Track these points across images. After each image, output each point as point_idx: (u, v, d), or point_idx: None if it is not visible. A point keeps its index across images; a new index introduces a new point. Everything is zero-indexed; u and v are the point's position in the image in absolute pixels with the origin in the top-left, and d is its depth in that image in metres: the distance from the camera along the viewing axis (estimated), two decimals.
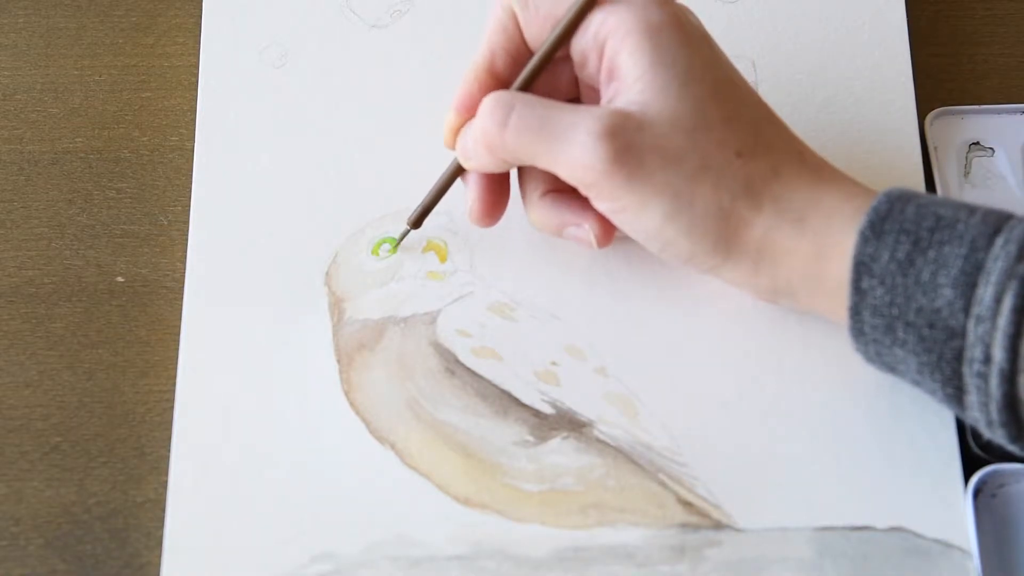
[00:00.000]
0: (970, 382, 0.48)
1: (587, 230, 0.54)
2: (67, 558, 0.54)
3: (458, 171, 0.56)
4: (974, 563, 0.52)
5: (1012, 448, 0.49)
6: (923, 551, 0.52)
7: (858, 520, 0.53)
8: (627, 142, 0.50)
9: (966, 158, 0.60)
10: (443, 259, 0.59)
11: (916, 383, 0.50)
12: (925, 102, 0.61)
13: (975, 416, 0.49)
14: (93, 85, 0.64)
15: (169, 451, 0.55)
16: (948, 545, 0.52)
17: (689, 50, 0.51)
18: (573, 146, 0.50)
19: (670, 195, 0.50)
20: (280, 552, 0.53)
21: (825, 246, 0.50)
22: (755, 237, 0.51)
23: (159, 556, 0.53)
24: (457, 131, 0.54)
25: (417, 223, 0.57)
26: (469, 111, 0.54)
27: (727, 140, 0.50)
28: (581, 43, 0.52)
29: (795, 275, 0.51)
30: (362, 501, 0.54)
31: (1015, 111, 0.61)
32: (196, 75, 0.63)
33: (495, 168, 0.54)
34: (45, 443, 0.57)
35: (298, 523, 0.54)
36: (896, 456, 0.54)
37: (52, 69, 0.65)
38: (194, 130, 0.62)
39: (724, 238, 0.51)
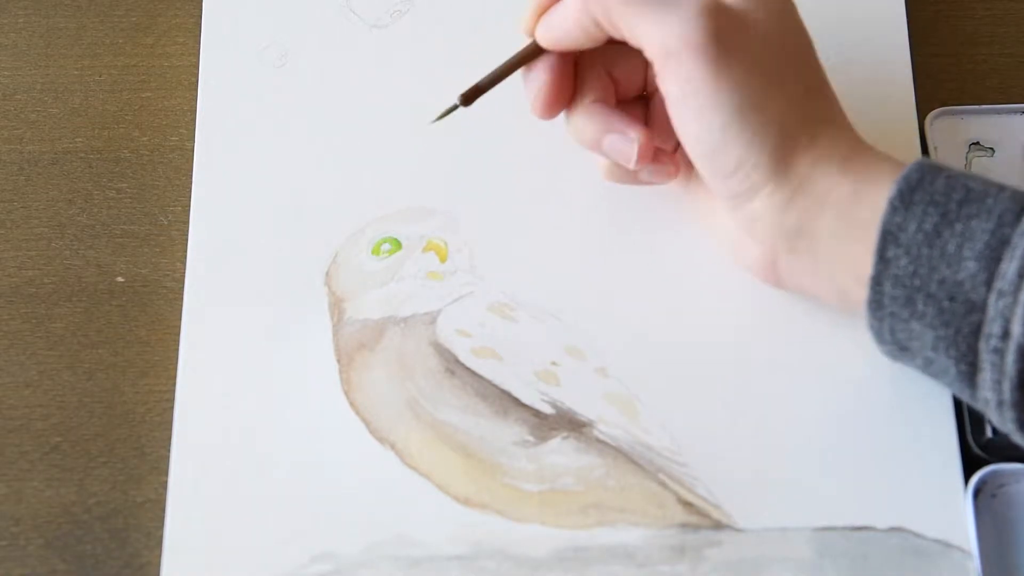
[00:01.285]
0: (985, 358, 0.48)
1: (632, 139, 0.53)
2: (67, 558, 0.54)
3: (529, 56, 0.54)
4: (974, 563, 0.52)
5: (1019, 437, 0.49)
6: (923, 551, 0.52)
7: (858, 520, 0.53)
8: (726, 28, 0.50)
9: (966, 158, 0.60)
10: (443, 259, 0.59)
11: (928, 362, 0.50)
12: (925, 102, 0.61)
13: (986, 397, 0.48)
14: (93, 85, 0.64)
15: (169, 451, 0.55)
16: (948, 545, 0.52)
17: None
18: (676, 11, 0.50)
19: (747, 93, 0.50)
20: (280, 552, 0.53)
21: (861, 190, 0.50)
22: (803, 167, 0.51)
23: (159, 556, 0.53)
24: (541, 13, 0.54)
25: (468, 100, 0.55)
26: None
27: (803, 74, 0.52)
28: None
29: (826, 214, 0.51)
30: (362, 501, 0.54)
31: (1015, 111, 0.61)
32: (196, 75, 0.63)
33: (578, 40, 0.53)
34: (45, 443, 0.57)
35: (298, 523, 0.54)
36: (896, 456, 0.54)
37: (52, 69, 0.65)
38: (194, 130, 0.62)
39: (776, 157, 0.51)
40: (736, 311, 0.57)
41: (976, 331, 0.48)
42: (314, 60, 0.63)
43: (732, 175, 0.52)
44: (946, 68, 0.64)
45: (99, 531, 0.55)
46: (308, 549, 0.53)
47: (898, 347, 0.51)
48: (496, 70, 0.55)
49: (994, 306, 0.47)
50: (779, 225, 0.52)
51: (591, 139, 0.55)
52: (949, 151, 0.60)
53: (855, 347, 0.56)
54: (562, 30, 0.53)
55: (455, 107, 0.54)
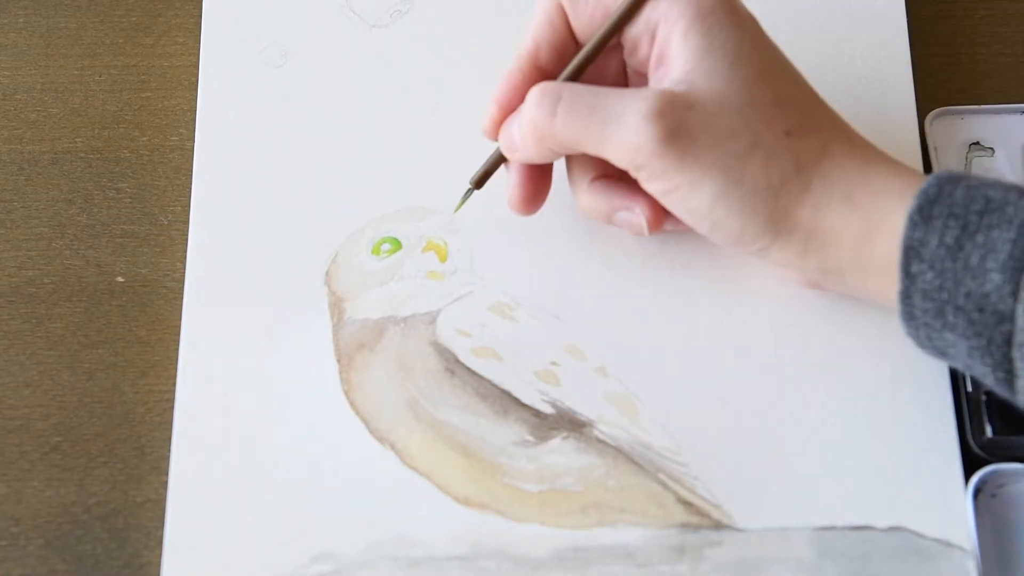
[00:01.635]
0: (1020, 366, 0.47)
1: (638, 213, 0.54)
2: (67, 558, 0.54)
3: (500, 159, 0.55)
4: (974, 563, 0.52)
5: None
6: (923, 551, 0.52)
7: (858, 520, 0.53)
8: (677, 121, 0.50)
9: (966, 158, 0.60)
10: (443, 259, 0.59)
11: (967, 368, 0.50)
12: (925, 102, 0.61)
13: None
14: (93, 85, 0.64)
15: (169, 451, 0.55)
16: (948, 545, 0.52)
17: (739, 33, 0.51)
18: (623, 129, 0.50)
19: (720, 173, 0.50)
20: (280, 552, 0.53)
21: (873, 225, 0.50)
22: (804, 216, 0.51)
23: (159, 556, 0.53)
24: (499, 124, 0.54)
25: (479, 184, 0.56)
26: (512, 104, 0.54)
27: (776, 119, 0.51)
28: (633, 30, 0.52)
29: (843, 255, 0.51)
30: (362, 501, 0.54)
31: (1015, 111, 0.61)
32: (196, 75, 0.63)
33: (542, 159, 0.54)
34: (45, 443, 0.57)
35: (298, 523, 0.54)
36: (896, 456, 0.54)
37: (52, 69, 0.65)
38: (194, 130, 0.62)
39: (774, 217, 0.51)
40: (736, 311, 0.57)
41: (1008, 340, 0.47)
42: (314, 60, 0.63)
43: (737, 243, 0.52)
44: (946, 68, 0.64)
45: (99, 531, 0.55)
46: (308, 549, 0.53)
47: (937, 352, 0.50)
48: (494, 153, 0.56)
49: (1022, 316, 0.47)
50: (802, 269, 0.53)
51: (601, 217, 0.56)
52: (949, 151, 0.60)
53: (855, 347, 0.56)
54: (525, 154, 0.54)
55: (470, 191, 0.56)
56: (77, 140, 0.63)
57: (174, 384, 0.56)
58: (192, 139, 0.62)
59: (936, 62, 0.64)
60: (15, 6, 0.67)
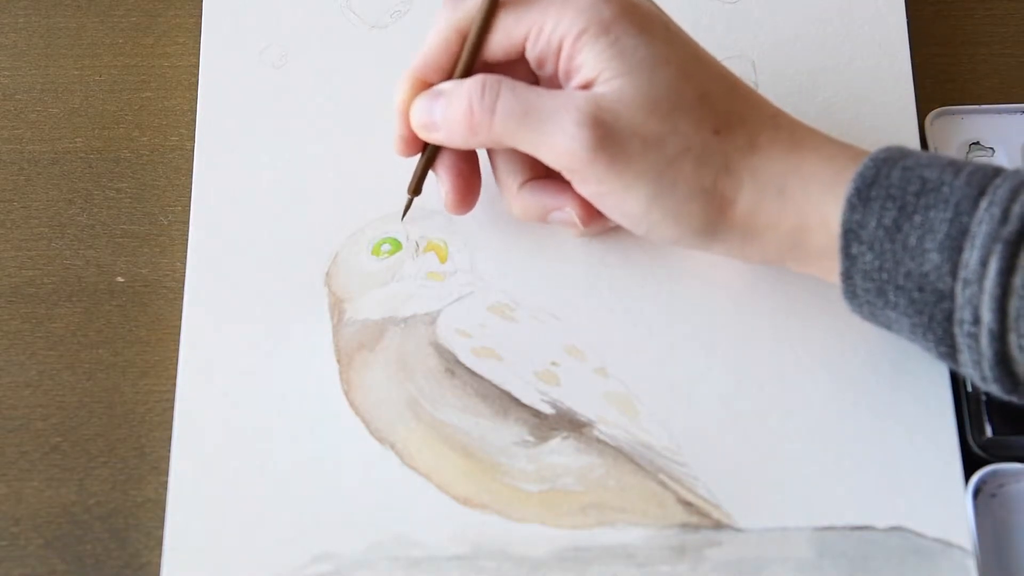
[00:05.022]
0: (962, 342, 0.48)
1: (569, 212, 0.55)
2: (67, 558, 0.54)
3: (429, 163, 0.56)
4: (974, 563, 0.52)
5: (1009, 399, 0.49)
6: (923, 551, 0.52)
7: (858, 520, 0.53)
8: (609, 128, 0.50)
9: (966, 158, 0.60)
10: (443, 259, 0.59)
11: (911, 340, 0.51)
12: (925, 102, 0.61)
13: (970, 372, 0.49)
14: (93, 85, 0.64)
15: (169, 451, 0.55)
16: (948, 544, 0.52)
17: (648, 36, 0.51)
18: (556, 133, 0.51)
19: (653, 178, 0.51)
20: (280, 552, 0.53)
21: (806, 216, 0.50)
22: (739, 214, 0.51)
23: (159, 556, 0.53)
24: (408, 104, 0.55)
25: (417, 190, 0.57)
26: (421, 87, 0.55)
27: (703, 119, 0.51)
28: (537, 48, 0.53)
29: (782, 247, 0.52)
30: (362, 501, 0.54)
31: (1015, 111, 0.61)
32: (196, 75, 0.63)
33: (464, 145, 0.54)
34: (45, 443, 0.57)
35: (298, 523, 0.54)
36: (896, 456, 0.54)
37: (52, 69, 0.65)
38: (194, 130, 0.62)
39: (710, 219, 0.51)
40: (736, 311, 0.57)
41: (949, 317, 0.48)
42: (314, 60, 0.63)
43: (678, 243, 0.53)
44: (946, 68, 0.64)
45: (99, 531, 0.55)
46: (308, 549, 0.53)
47: (883, 326, 0.52)
48: (423, 157, 0.56)
49: (961, 294, 0.48)
50: (744, 259, 0.54)
51: (535, 218, 0.56)
52: (949, 151, 0.60)
53: (855, 347, 0.56)
54: (449, 138, 0.54)
55: (410, 200, 0.57)
56: (77, 140, 0.63)
57: (174, 384, 0.56)
58: (192, 139, 0.62)
59: (936, 62, 0.64)
60: (15, 6, 0.67)
